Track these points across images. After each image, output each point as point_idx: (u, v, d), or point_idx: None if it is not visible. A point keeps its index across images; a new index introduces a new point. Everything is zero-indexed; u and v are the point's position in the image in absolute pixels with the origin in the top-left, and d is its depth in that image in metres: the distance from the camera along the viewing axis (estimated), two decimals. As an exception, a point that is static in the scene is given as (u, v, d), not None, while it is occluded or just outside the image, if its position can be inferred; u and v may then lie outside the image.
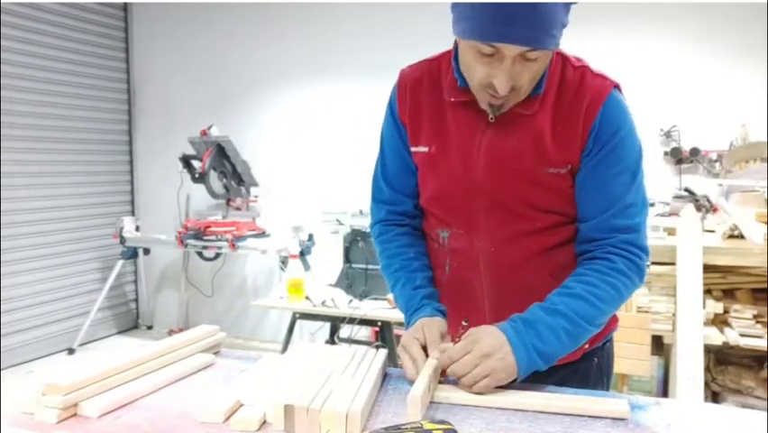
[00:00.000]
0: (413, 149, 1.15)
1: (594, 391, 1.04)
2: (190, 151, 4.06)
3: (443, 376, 1.00)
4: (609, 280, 1.02)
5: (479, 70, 0.96)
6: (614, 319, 1.22)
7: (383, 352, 1.09)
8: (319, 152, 4.19)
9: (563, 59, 1.06)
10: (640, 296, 2.59)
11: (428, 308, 1.13)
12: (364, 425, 0.84)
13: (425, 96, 1.12)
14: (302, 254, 3.76)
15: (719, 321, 2.57)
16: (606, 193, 1.04)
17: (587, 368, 1.17)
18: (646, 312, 2.55)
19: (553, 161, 1.03)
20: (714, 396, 2.61)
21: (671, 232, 2.72)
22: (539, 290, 1.07)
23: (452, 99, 1.08)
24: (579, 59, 1.07)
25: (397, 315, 2.66)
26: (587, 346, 1.15)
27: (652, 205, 3.08)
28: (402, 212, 1.23)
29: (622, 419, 0.87)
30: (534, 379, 1.00)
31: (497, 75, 0.94)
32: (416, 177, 1.19)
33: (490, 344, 0.96)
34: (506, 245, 1.09)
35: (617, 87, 1.05)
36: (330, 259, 3.61)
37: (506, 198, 1.07)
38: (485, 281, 1.12)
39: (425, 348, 1.03)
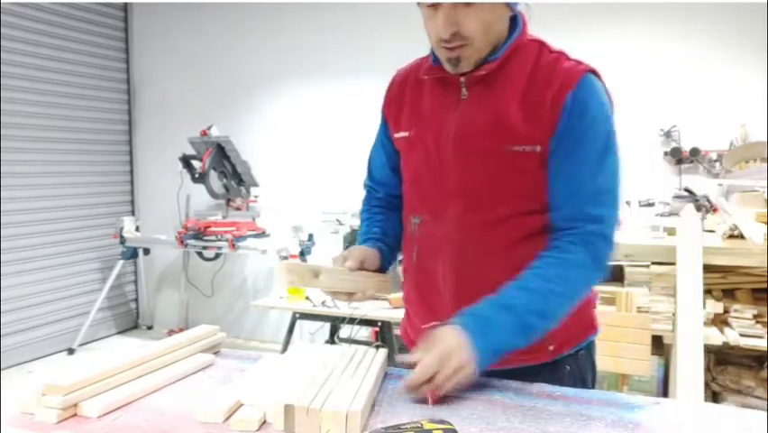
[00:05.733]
0: (396, 135, 1.20)
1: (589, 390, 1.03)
2: (190, 151, 4.06)
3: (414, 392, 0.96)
4: (565, 274, 1.01)
5: (430, 27, 1.03)
6: (590, 326, 1.19)
7: (383, 352, 1.09)
8: (319, 151, 4.19)
9: (540, 44, 1.09)
10: (640, 296, 2.58)
11: (368, 242, 1.22)
12: (364, 425, 0.84)
13: (410, 87, 1.19)
14: (302, 254, 3.76)
15: (719, 321, 2.57)
16: (574, 179, 1.04)
17: (560, 376, 1.12)
18: (646, 312, 2.55)
19: (520, 137, 1.03)
20: (714, 396, 2.61)
21: (671, 232, 2.72)
22: (502, 284, 1.05)
23: (426, 77, 1.14)
24: (557, 49, 1.09)
25: (397, 314, 2.66)
26: (552, 348, 1.11)
27: (651, 205, 3.08)
28: (380, 197, 1.32)
29: (623, 420, 0.87)
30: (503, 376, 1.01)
31: (440, 22, 1.00)
32: (388, 169, 1.27)
33: (456, 352, 0.93)
34: (469, 234, 1.09)
35: (592, 71, 1.05)
36: (330, 259, 3.60)
37: (470, 177, 1.08)
38: (447, 270, 1.12)
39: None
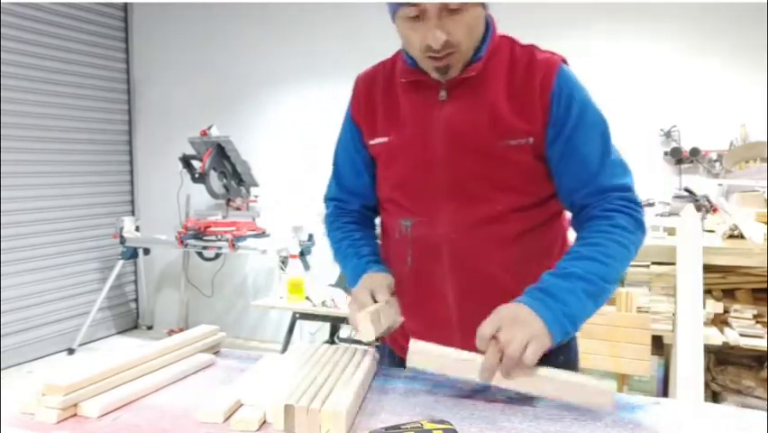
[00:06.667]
0: (371, 142, 1.18)
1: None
2: (190, 151, 4.06)
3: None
4: (614, 237, 1.02)
5: (414, 38, 1.01)
6: None
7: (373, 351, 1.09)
8: (319, 152, 4.18)
9: (511, 40, 1.11)
10: (640, 296, 2.58)
11: (374, 267, 1.16)
12: (364, 425, 0.84)
13: (380, 92, 1.17)
14: (302, 254, 3.76)
15: (719, 321, 2.57)
16: (587, 159, 1.06)
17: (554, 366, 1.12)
18: (646, 312, 2.55)
19: (513, 131, 1.05)
20: (714, 396, 2.61)
21: (671, 232, 2.72)
22: (505, 281, 1.07)
23: (404, 80, 1.12)
24: (526, 43, 1.12)
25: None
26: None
27: (651, 205, 3.08)
28: (349, 210, 1.29)
29: (623, 420, 0.87)
30: None
31: (428, 32, 0.98)
32: (366, 177, 1.23)
33: (520, 313, 0.93)
34: (467, 232, 1.09)
35: (564, 60, 1.09)
36: (330, 259, 3.61)
37: (464, 176, 1.08)
38: (447, 271, 1.12)
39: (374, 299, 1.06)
